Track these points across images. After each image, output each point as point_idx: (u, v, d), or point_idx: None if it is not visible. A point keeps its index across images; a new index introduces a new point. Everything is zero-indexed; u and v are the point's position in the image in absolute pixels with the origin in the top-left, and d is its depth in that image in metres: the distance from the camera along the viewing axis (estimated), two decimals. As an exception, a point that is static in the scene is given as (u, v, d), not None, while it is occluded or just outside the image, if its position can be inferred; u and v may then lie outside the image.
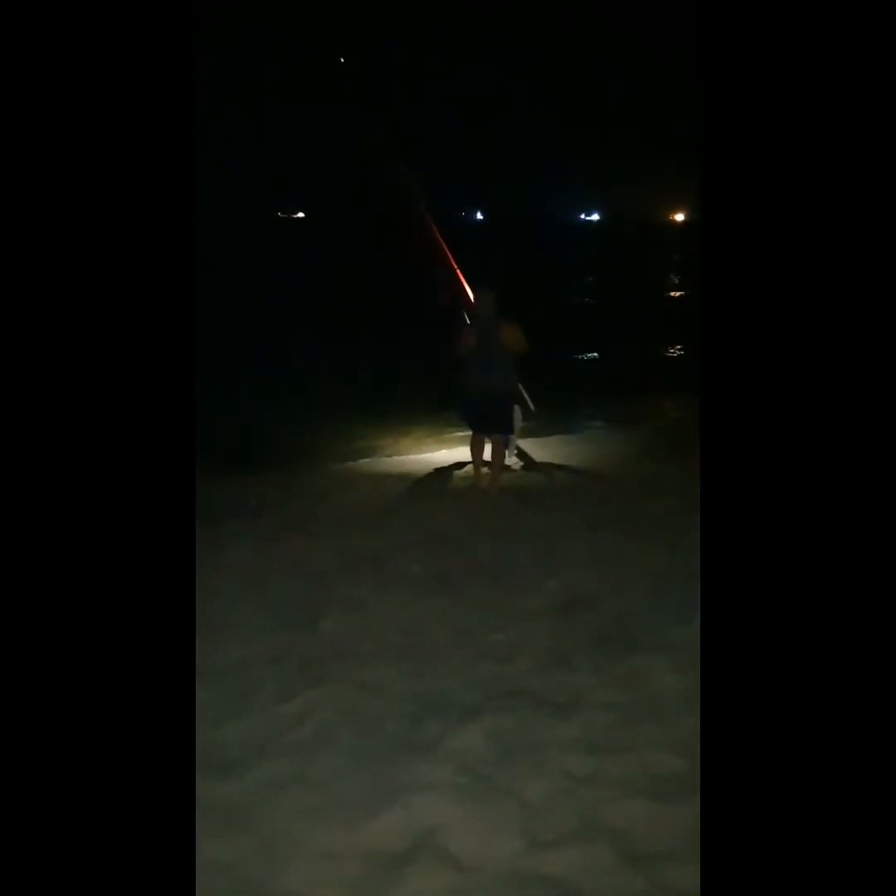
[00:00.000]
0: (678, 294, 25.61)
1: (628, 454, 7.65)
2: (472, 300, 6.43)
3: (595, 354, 14.42)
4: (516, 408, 6.36)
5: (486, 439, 6.32)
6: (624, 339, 15.56)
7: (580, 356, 14.30)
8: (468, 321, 6.47)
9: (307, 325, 16.39)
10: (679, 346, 14.97)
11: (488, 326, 6.26)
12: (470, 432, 6.52)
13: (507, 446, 6.41)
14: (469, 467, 6.55)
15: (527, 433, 7.01)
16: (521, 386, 6.50)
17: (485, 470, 6.35)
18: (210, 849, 2.35)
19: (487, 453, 6.32)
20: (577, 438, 8.50)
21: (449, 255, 6.76)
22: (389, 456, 7.75)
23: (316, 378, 11.52)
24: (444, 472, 6.77)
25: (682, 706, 3.08)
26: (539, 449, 7.28)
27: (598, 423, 9.71)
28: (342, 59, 6.85)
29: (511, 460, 6.56)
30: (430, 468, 6.91)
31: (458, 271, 6.75)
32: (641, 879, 2.26)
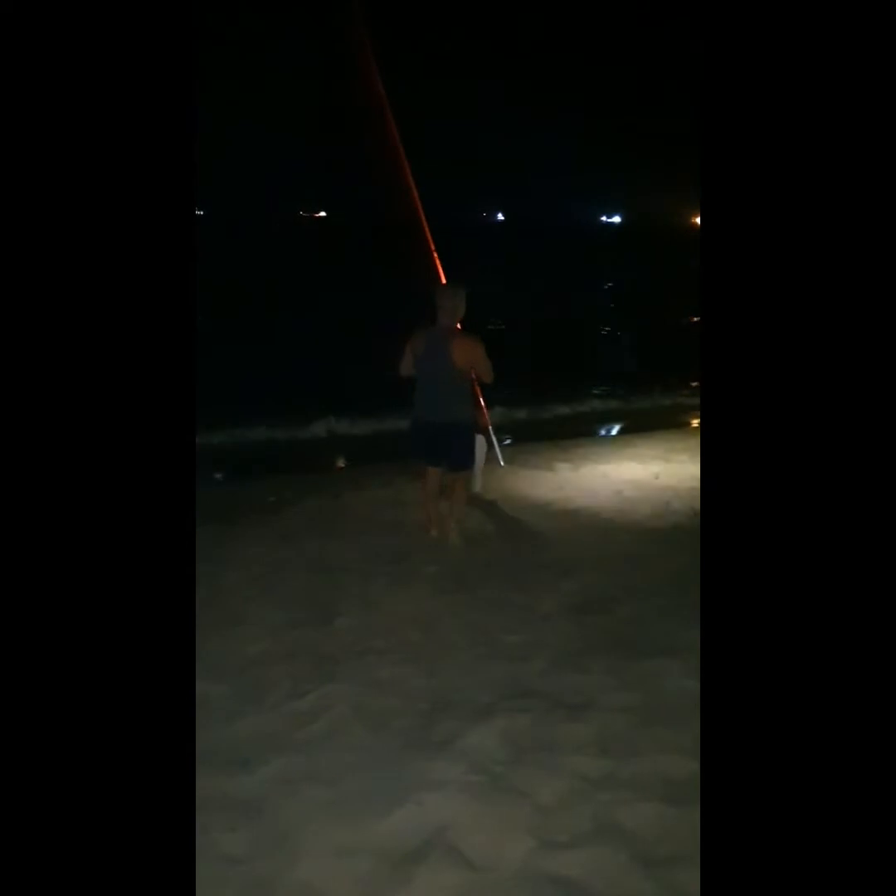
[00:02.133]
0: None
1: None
2: (438, 301, 4.93)
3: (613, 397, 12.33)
4: (479, 438, 5.16)
5: (441, 475, 5.13)
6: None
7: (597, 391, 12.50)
8: (422, 328, 4.98)
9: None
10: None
11: (441, 337, 4.84)
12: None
13: (470, 480, 5.26)
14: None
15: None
16: (491, 430, 5.40)
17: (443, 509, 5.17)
18: (222, 842, 2.37)
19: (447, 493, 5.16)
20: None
21: (434, 252, 5.43)
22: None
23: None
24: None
25: (696, 709, 3.05)
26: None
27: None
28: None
29: (478, 487, 5.40)
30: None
31: (439, 268, 5.44)
32: (654, 882, 2.25)
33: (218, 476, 7.76)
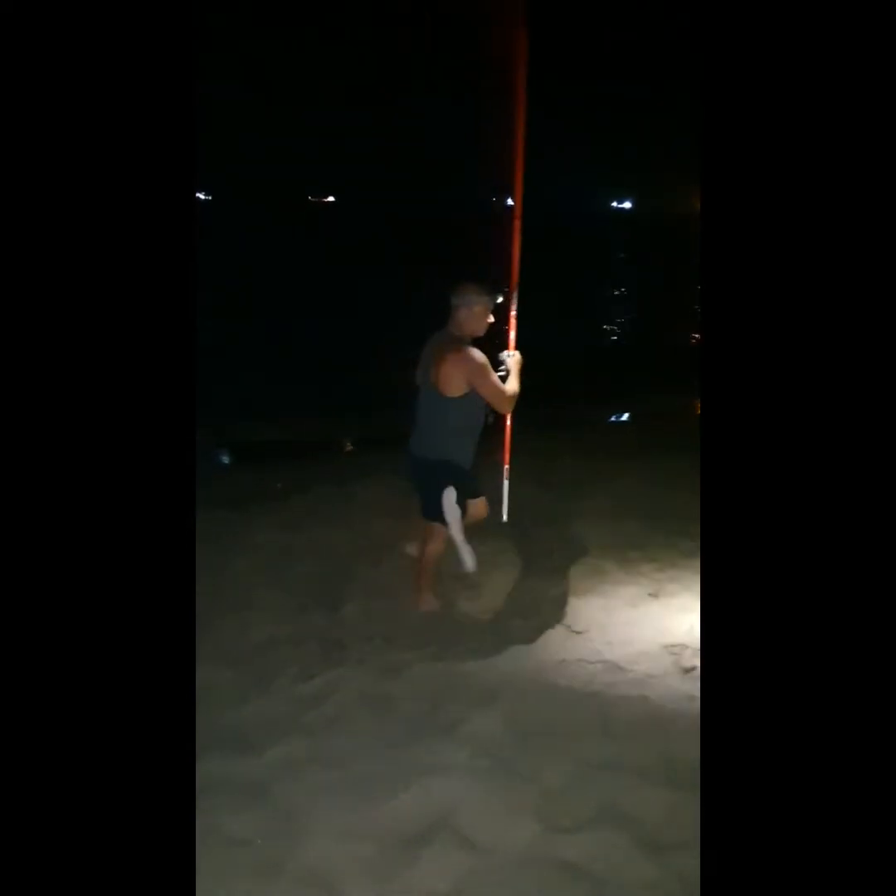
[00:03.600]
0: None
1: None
2: (454, 303, 3.84)
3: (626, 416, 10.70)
4: (448, 492, 3.85)
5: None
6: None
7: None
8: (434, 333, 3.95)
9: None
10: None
11: (435, 349, 3.81)
12: None
13: (453, 533, 3.96)
14: None
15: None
16: (507, 472, 4.29)
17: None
18: (228, 824, 2.38)
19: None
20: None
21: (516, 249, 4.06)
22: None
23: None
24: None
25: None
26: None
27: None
28: None
29: (468, 564, 4.07)
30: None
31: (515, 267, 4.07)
32: (657, 866, 2.26)
33: (224, 463, 7.77)
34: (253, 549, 4.67)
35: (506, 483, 4.29)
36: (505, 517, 4.34)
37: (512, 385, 3.85)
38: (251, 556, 4.55)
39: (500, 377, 3.83)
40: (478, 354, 3.72)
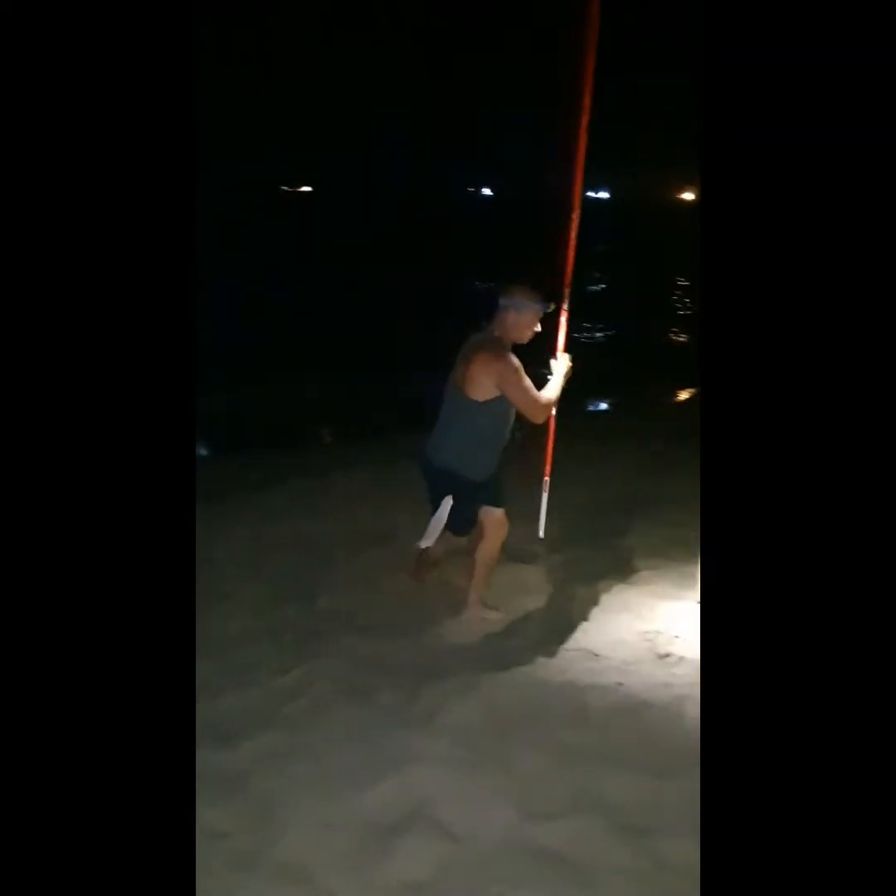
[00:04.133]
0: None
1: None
2: (502, 304, 3.51)
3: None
4: (447, 499, 3.58)
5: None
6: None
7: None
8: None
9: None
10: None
11: (467, 348, 3.52)
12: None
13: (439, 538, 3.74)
14: None
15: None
16: (546, 485, 4.04)
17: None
18: (206, 817, 2.37)
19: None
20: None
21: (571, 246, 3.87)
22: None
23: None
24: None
25: (679, 686, 3.10)
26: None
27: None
28: None
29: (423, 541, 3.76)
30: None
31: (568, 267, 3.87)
32: (634, 852, 2.28)
33: (202, 453, 7.73)
34: (229, 540, 4.64)
35: (545, 496, 4.00)
36: (542, 534, 4.05)
37: (550, 391, 3.56)
38: (228, 548, 4.52)
39: (546, 380, 3.60)
40: (511, 357, 3.41)
